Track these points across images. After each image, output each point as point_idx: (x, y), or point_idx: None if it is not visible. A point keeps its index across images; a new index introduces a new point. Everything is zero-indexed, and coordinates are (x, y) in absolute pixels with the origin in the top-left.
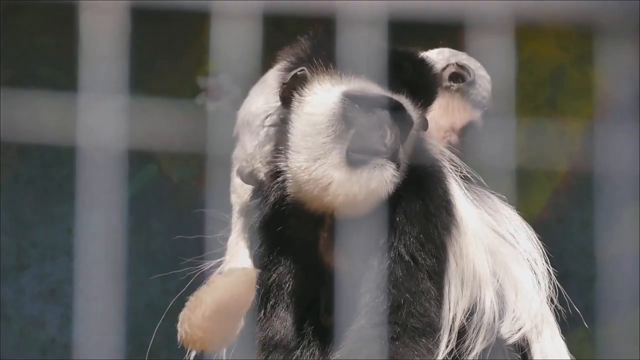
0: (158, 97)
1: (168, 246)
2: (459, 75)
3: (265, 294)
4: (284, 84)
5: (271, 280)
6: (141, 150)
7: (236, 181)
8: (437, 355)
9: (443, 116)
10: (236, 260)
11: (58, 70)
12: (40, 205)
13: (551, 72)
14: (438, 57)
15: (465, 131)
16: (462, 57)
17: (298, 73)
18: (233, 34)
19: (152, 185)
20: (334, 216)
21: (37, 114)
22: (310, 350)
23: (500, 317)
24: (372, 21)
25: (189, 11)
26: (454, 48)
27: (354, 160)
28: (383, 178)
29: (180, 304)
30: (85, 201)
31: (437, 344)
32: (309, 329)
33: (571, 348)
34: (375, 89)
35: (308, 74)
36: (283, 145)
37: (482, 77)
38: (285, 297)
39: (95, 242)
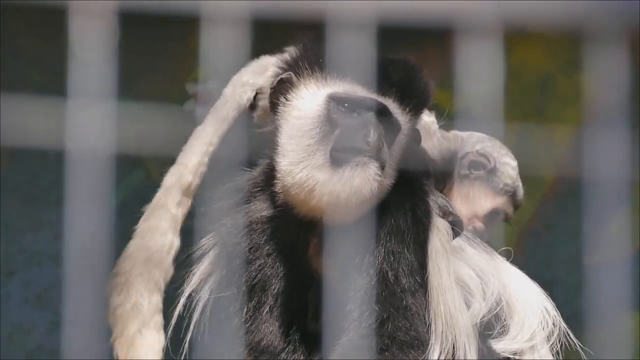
0: (146, 102)
1: None
2: (479, 163)
3: (250, 295)
4: (271, 88)
5: (255, 280)
6: (129, 156)
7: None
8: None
9: (464, 204)
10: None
11: (46, 74)
12: (28, 211)
13: (539, 79)
14: (468, 139)
15: (490, 218)
16: (487, 144)
17: (284, 77)
18: (222, 40)
19: (140, 191)
20: (323, 222)
21: (24, 119)
22: (297, 356)
23: (495, 334)
24: (361, 26)
25: (178, 17)
26: (442, 54)
27: (337, 159)
28: (365, 175)
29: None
30: (73, 206)
31: (426, 357)
32: (295, 334)
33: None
34: (361, 92)
35: (294, 78)
36: (273, 150)
37: (504, 164)
38: (271, 300)
39: (82, 248)
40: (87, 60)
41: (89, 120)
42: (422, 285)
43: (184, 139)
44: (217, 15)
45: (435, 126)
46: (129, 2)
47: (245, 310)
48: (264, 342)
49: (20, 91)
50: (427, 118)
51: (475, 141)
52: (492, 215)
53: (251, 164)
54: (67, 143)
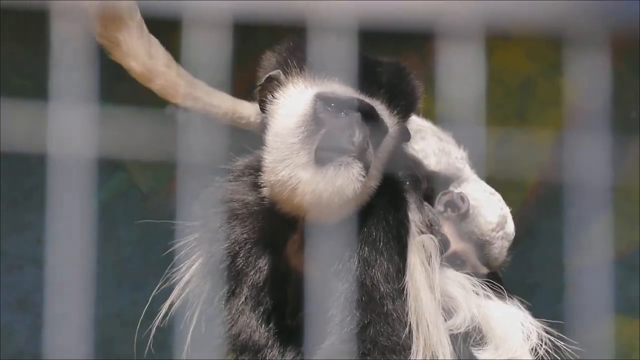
0: (128, 106)
1: (137, 255)
2: (455, 204)
3: (228, 287)
4: (259, 86)
5: (234, 273)
6: (110, 159)
7: None
8: None
9: None
10: None
11: (28, 78)
12: (9, 215)
13: (520, 83)
14: (465, 175)
15: (450, 261)
16: (475, 188)
17: (272, 74)
18: (203, 44)
19: (122, 195)
20: (305, 221)
21: (6, 122)
22: (275, 352)
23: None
24: (342, 30)
25: (158, 19)
26: (423, 57)
27: (321, 158)
28: (348, 175)
29: (151, 315)
30: (55, 210)
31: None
32: (274, 330)
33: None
34: (349, 92)
35: (282, 77)
36: (260, 147)
37: (479, 215)
38: (247, 292)
39: (64, 251)
40: (68, 63)
41: (70, 124)
42: (402, 291)
43: (165, 143)
44: (198, 18)
45: (432, 131)
46: None
47: (224, 302)
48: (243, 336)
49: (1, 95)
50: (423, 122)
51: (466, 180)
52: (451, 258)
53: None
54: (48, 147)
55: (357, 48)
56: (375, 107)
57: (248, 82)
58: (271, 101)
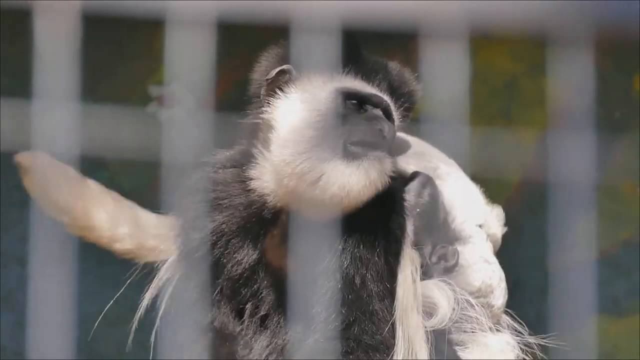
0: (110, 104)
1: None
2: (445, 256)
3: (205, 277)
4: (267, 79)
5: (211, 262)
6: (92, 158)
7: None
8: None
9: None
10: None
11: (11, 77)
12: None
13: (505, 82)
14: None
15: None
16: (473, 252)
17: (285, 68)
18: (187, 42)
19: None
20: (290, 216)
21: None
22: (250, 342)
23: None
24: (326, 29)
25: (142, 18)
26: (407, 57)
27: (352, 152)
28: (382, 169)
29: (132, 312)
30: (38, 208)
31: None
32: (249, 322)
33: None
34: (368, 88)
35: (294, 71)
36: (259, 141)
37: (464, 275)
38: (226, 285)
39: (46, 249)
40: (52, 62)
41: (53, 122)
42: (391, 292)
43: (147, 141)
44: (182, 17)
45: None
46: (92, 3)
47: (200, 291)
48: (217, 324)
49: None
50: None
51: (467, 241)
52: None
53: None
54: (32, 145)
55: (338, 48)
56: (390, 104)
57: (232, 82)
58: (280, 96)
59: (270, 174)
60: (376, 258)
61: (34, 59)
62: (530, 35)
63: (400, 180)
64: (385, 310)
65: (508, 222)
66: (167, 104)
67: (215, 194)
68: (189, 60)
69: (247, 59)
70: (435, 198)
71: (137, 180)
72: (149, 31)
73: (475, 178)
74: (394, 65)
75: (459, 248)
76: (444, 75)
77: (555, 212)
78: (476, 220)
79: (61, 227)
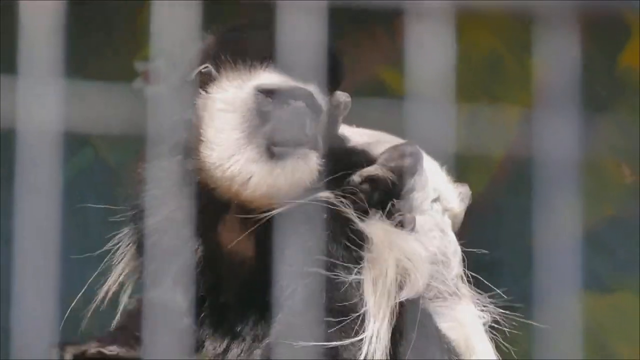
0: (95, 81)
1: (104, 231)
2: (402, 223)
3: (158, 265)
4: (189, 81)
5: (164, 250)
6: (77, 134)
7: None
8: (364, 336)
9: None
10: None
11: None
12: None
13: (489, 60)
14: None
15: None
16: (429, 222)
17: (203, 71)
18: (172, 19)
19: (88, 170)
20: (243, 204)
21: None
22: (210, 332)
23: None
24: (310, 7)
25: None
26: (392, 35)
27: (277, 153)
28: (308, 167)
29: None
30: (22, 185)
31: (362, 326)
32: (208, 310)
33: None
34: (287, 81)
35: (213, 71)
36: (195, 142)
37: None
38: (177, 269)
39: (31, 227)
40: (37, 38)
41: (38, 99)
42: (357, 259)
43: (133, 117)
44: None
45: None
46: None
47: (153, 280)
48: (166, 304)
49: None
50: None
51: (425, 213)
52: None
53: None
54: (17, 121)
55: (322, 28)
56: (313, 92)
57: None
58: (205, 97)
59: (206, 172)
60: (338, 232)
61: (19, 35)
62: (515, 14)
63: (345, 152)
64: (353, 282)
65: (491, 200)
66: (152, 80)
67: (164, 182)
68: (174, 36)
69: None
70: (409, 167)
71: (122, 156)
72: (134, 7)
73: (459, 156)
74: (316, 45)
75: (416, 216)
76: (429, 54)
77: (539, 190)
78: (434, 194)
79: (44, 203)
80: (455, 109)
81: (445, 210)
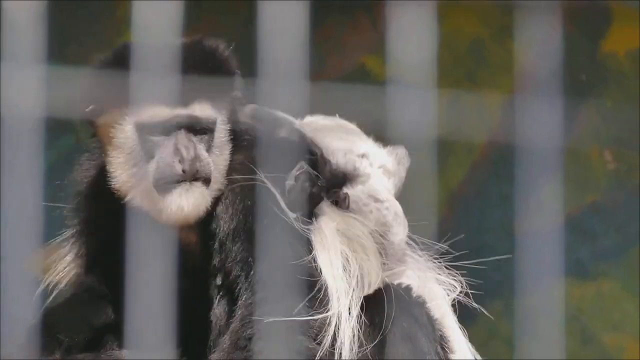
0: (76, 66)
1: None
2: (337, 202)
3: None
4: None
5: (101, 247)
6: (59, 120)
7: None
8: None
9: None
10: None
11: None
12: None
13: (471, 46)
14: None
15: None
16: (364, 193)
17: (88, 111)
18: (154, 7)
19: (69, 155)
20: None
21: None
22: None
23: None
24: None
25: None
26: (374, 21)
27: (161, 189)
28: (193, 200)
29: None
30: (4, 170)
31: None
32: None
33: (488, 320)
34: (165, 111)
35: (98, 109)
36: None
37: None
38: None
39: (13, 212)
40: (18, 24)
41: (19, 85)
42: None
43: None
44: None
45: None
46: None
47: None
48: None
49: None
50: (328, 121)
51: (359, 182)
52: None
53: None
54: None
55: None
56: (194, 112)
57: None
58: (101, 132)
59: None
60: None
61: (2, 20)
62: (497, 0)
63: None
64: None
65: (474, 186)
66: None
67: (94, 181)
68: (155, 24)
69: (213, 24)
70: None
71: None
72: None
73: (442, 142)
74: (197, 45)
75: (348, 191)
76: (411, 39)
77: (521, 175)
78: (362, 160)
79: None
80: (438, 95)
81: (379, 169)
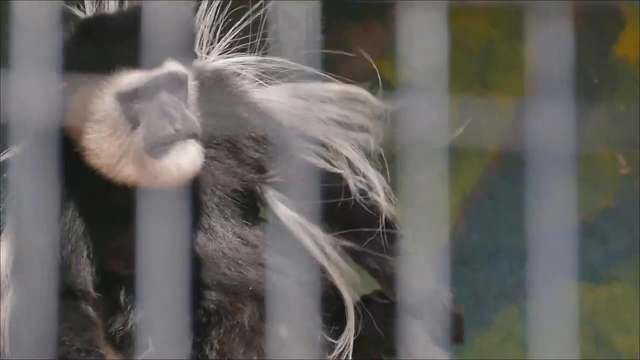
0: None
1: None
2: None
3: (63, 240)
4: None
5: (67, 228)
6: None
7: None
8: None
9: None
10: None
11: None
12: None
13: (483, 49)
14: None
15: None
16: None
17: (61, 87)
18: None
19: None
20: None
21: None
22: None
23: None
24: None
25: None
26: (385, 24)
27: (155, 153)
28: (190, 158)
29: None
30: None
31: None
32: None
33: (503, 325)
34: (141, 76)
35: (70, 85)
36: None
37: None
38: (83, 245)
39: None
40: (30, 30)
41: (31, 92)
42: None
43: None
44: None
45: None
46: None
47: (62, 255)
48: (80, 286)
49: None
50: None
51: None
52: None
53: None
54: (10, 114)
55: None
56: (171, 70)
57: None
58: (75, 106)
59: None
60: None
61: (12, 27)
62: (509, 2)
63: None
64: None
65: (486, 190)
66: None
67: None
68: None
69: None
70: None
71: None
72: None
73: (453, 146)
74: (160, 15)
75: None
76: (422, 43)
77: (533, 179)
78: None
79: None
80: (449, 99)
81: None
